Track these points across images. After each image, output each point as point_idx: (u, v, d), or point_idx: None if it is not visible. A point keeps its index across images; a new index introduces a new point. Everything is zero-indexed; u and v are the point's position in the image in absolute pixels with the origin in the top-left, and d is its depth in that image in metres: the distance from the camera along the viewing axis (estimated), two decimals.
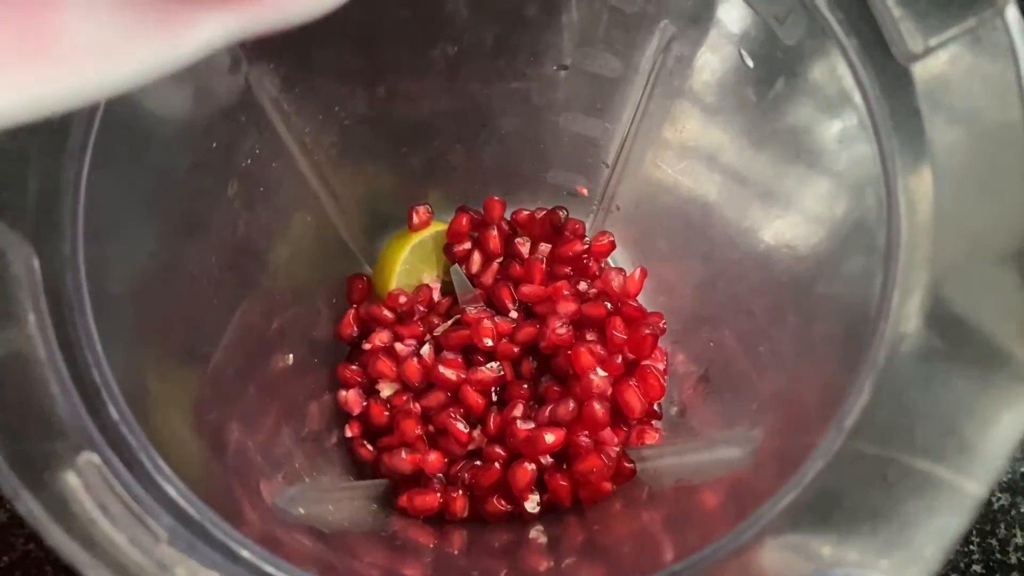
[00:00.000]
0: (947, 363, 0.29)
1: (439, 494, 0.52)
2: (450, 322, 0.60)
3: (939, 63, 0.32)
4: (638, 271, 0.60)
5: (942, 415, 0.29)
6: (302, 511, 0.42)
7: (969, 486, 0.27)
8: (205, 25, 0.22)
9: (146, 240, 0.39)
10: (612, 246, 0.61)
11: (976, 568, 0.55)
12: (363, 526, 0.48)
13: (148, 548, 0.27)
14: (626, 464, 0.52)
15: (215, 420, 0.42)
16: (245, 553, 0.30)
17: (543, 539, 0.47)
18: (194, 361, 0.43)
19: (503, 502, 0.53)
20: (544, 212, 0.62)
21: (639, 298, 0.60)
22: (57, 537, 0.24)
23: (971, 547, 0.56)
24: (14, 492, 0.24)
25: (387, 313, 0.60)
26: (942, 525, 0.26)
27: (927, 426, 0.29)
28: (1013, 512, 0.57)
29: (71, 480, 0.27)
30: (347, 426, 0.57)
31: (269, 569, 0.30)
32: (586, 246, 0.61)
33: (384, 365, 0.57)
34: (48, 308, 0.31)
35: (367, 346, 0.59)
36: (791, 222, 0.46)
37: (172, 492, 0.31)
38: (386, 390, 0.58)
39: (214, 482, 0.36)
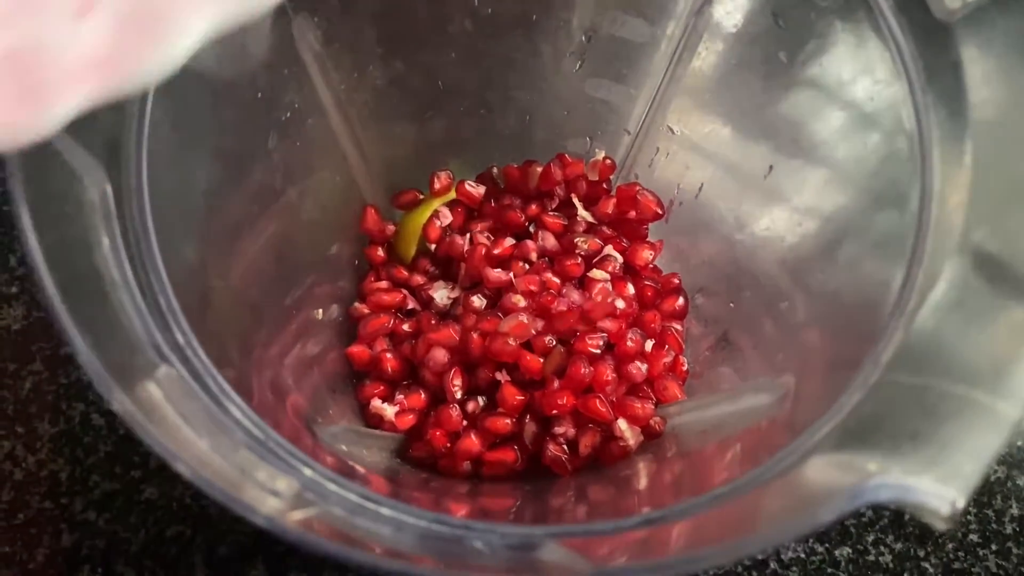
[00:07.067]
0: (983, 299, 0.31)
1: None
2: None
3: (977, 20, 0.34)
4: (656, 242, 0.61)
5: (978, 346, 0.30)
6: (344, 448, 0.43)
7: (1006, 408, 0.28)
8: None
9: (200, 179, 0.41)
10: None
11: (973, 537, 0.57)
12: (391, 473, 0.50)
13: (229, 453, 0.28)
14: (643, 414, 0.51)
15: (260, 363, 0.43)
16: (308, 472, 0.31)
17: (572, 493, 0.48)
18: (241, 304, 0.44)
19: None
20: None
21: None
22: (150, 432, 0.25)
23: (968, 517, 0.58)
24: (108, 391, 0.25)
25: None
26: (980, 444, 0.28)
27: (963, 356, 0.30)
28: (1009, 484, 0.58)
29: (153, 390, 0.28)
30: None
31: (332, 487, 0.31)
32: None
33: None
34: (120, 234, 0.32)
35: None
36: (818, 186, 0.47)
37: (237, 413, 0.32)
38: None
39: (267, 415, 0.36)
